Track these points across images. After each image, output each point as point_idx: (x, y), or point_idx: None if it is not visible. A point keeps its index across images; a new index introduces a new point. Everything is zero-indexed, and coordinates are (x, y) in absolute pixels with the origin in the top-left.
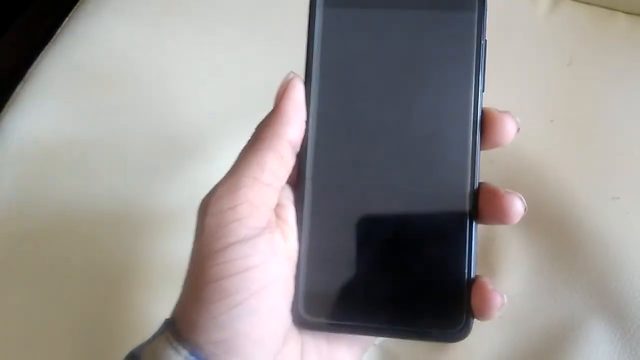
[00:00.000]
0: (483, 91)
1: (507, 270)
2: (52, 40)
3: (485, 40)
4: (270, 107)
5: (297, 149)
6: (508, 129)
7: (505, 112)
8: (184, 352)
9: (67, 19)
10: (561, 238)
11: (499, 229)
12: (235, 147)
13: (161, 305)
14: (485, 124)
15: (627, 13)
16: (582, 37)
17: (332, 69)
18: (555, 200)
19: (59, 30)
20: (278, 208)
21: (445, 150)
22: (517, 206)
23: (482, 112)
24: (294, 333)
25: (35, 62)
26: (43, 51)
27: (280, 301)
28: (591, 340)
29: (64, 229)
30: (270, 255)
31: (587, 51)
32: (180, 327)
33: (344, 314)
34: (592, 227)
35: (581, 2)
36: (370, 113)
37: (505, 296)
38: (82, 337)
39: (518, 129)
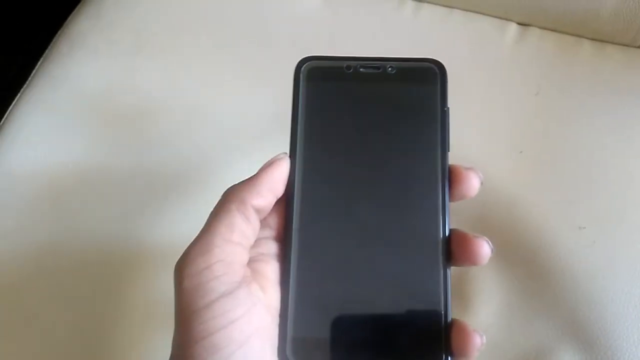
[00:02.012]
0: (448, 151)
1: (481, 302)
2: (27, 82)
3: (448, 108)
4: (252, 143)
5: (263, 215)
6: (473, 184)
7: (470, 168)
8: None
9: (41, 60)
10: (532, 269)
11: None
12: (214, 182)
13: (147, 347)
14: (452, 180)
15: (591, 40)
16: (549, 66)
17: (315, 136)
18: (524, 230)
19: (33, 72)
20: (256, 263)
21: (419, 203)
22: (485, 249)
23: (449, 168)
24: None
25: (12, 106)
26: (19, 95)
27: (266, 348)
28: None
29: (46, 275)
30: (251, 305)
31: (554, 80)
32: None
33: (330, 357)
34: (561, 257)
35: (548, 29)
36: (349, 174)
37: (484, 336)
38: None
39: (481, 183)
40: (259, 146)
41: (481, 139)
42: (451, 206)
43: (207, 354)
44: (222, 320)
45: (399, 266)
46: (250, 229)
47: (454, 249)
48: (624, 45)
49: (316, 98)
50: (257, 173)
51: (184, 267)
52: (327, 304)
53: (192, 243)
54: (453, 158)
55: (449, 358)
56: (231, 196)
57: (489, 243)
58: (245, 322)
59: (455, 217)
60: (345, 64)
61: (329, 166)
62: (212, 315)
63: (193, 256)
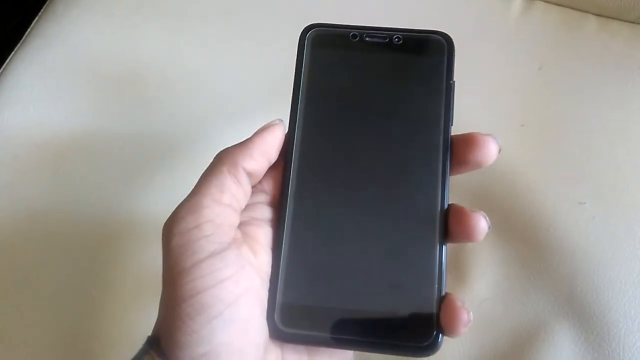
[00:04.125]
0: (452, 125)
1: (477, 276)
2: (21, 41)
3: (454, 81)
4: (250, 111)
5: (255, 180)
6: (490, 150)
7: (488, 134)
8: None
9: (36, 19)
10: (529, 243)
11: None
12: (209, 149)
13: (139, 315)
14: (469, 147)
15: (597, 15)
16: (553, 41)
17: (316, 103)
18: (524, 205)
19: (28, 31)
20: (248, 227)
21: (418, 176)
22: (482, 224)
23: (451, 141)
24: (274, 344)
25: (5, 65)
26: (13, 53)
27: (255, 311)
28: (556, 343)
29: (38, 238)
30: (239, 267)
31: (557, 55)
32: (163, 345)
33: (319, 326)
34: (559, 232)
35: (553, 3)
36: (349, 143)
37: (471, 313)
38: (59, 348)
39: (499, 150)
40: (257, 114)
41: (482, 112)
42: (450, 180)
43: (194, 313)
44: (210, 280)
45: (394, 238)
46: (241, 191)
47: (450, 224)
48: (630, 22)
49: (320, 65)
50: (250, 137)
51: (173, 225)
52: (319, 272)
53: (181, 203)
54: (453, 130)
55: (440, 335)
56: (223, 158)
57: (486, 218)
58: (234, 282)
59: (453, 190)
60: (351, 32)
61: (329, 133)
62: (200, 274)
63: (182, 215)
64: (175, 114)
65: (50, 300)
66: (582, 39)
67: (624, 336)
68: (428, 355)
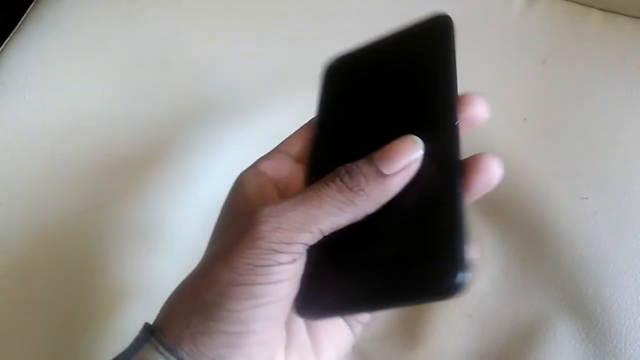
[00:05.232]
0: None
1: (478, 270)
2: (17, 26)
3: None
4: (252, 100)
5: None
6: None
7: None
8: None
9: (32, 3)
10: (531, 238)
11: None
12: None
13: (134, 308)
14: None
15: (601, 10)
16: (557, 35)
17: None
18: (526, 199)
19: (24, 16)
20: None
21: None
22: (496, 165)
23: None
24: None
25: (1, 50)
26: (9, 38)
27: (287, 310)
28: (557, 338)
29: (31, 226)
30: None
31: (561, 49)
32: (170, 338)
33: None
34: (561, 227)
35: None
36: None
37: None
38: (50, 344)
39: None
40: (258, 103)
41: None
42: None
43: (243, 297)
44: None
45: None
46: None
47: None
48: (635, 17)
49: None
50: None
51: (270, 212)
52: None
53: (291, 200)
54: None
55: (465, 271)
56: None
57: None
58: (290, 285)
59: None
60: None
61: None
62: (265, 272)
63: (286, 217)
64: (173, 100)
65: (42, 291)
66: (586, 33)
67: (625, 332)
68: (451, 294)
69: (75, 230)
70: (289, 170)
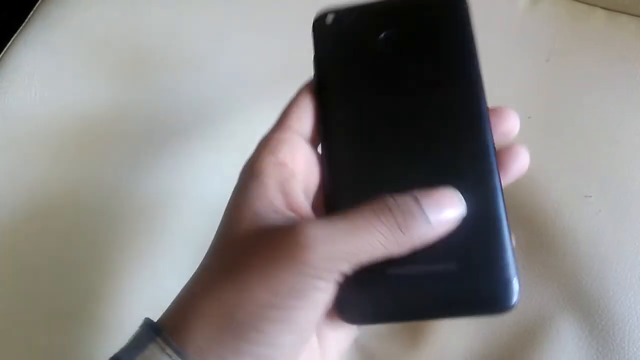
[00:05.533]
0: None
1: None
2: (25, 23)
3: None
4: (257, 94)
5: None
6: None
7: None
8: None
9: (39, 1)
10: (534, 235)
11: None
12: (213, 133)
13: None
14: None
15: (605, 8)
16: (561, 33)
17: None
18: (529, 197)
19: (31, 13)
20: None
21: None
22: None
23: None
24: None
25: (8, 47)
26: (16, 35)
27: (313, 334)
28: (560, 337)
29: (38, 222)
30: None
31: (565, 47)
32: (180, 339)
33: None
34: (565, 225)
35: None
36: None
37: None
38: (54, 332)
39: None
40: (264, 96)
41: (489, 103)
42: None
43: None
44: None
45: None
46: None
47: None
48: (639, 16)
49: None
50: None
51: (316, 236)
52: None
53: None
54: None
55: (514, 283)
56: None
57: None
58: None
59: None
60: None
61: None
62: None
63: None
64: (179, 96)
65: (47, 283)
66: (590, 31)
67: (629, 331)
68: (504, 308)
69: (81, 224)
70: (305, 157)
